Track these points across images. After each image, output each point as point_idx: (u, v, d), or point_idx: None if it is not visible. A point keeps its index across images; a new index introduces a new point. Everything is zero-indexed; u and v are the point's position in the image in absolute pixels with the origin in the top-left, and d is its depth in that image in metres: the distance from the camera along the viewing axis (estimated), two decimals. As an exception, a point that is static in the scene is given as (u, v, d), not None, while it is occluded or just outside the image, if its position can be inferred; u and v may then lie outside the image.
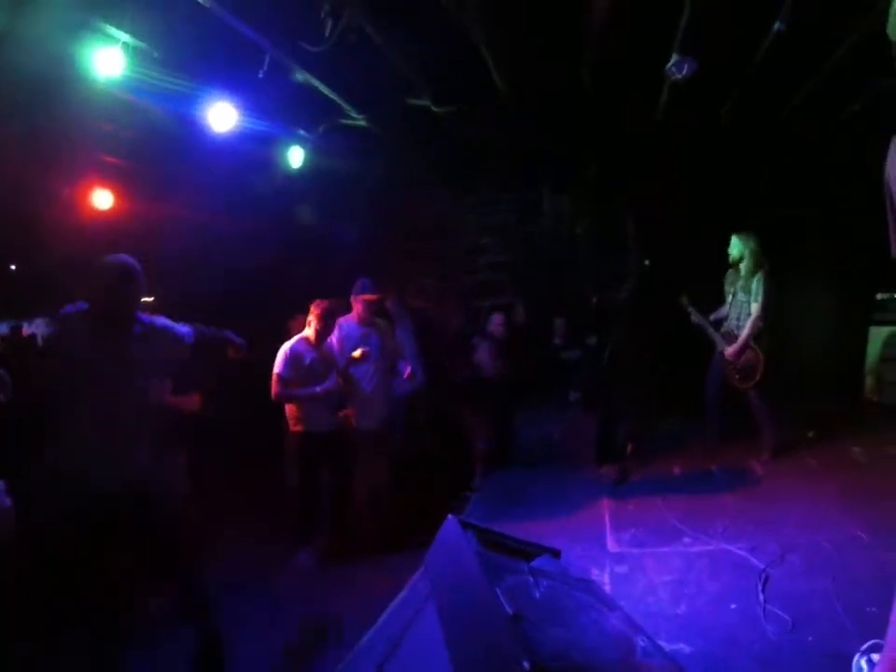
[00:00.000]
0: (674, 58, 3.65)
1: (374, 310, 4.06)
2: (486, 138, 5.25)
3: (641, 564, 2.98)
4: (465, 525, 1.42)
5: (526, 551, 1.63)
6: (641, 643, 1.65)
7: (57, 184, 4.68)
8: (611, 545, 3.21)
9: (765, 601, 2.40)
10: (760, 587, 2.51)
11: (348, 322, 3.98)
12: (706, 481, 3.90)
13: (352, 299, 4.02)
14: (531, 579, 1.38)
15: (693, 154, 5.26)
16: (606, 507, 3.72)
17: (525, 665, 0.97)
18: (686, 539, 3.10)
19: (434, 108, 4.30)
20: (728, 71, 4.24)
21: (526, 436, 4.70)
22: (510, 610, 1.09)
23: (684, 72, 3.68)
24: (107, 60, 3.02)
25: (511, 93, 4.27)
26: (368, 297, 3.93)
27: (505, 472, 4.57)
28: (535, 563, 1.57)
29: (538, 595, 1.35)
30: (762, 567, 2.67)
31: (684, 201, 5.33)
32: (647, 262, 4.91)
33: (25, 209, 4.39)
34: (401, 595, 1.64)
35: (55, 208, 4.82)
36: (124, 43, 3.07)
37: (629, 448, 4.51)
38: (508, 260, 6.14)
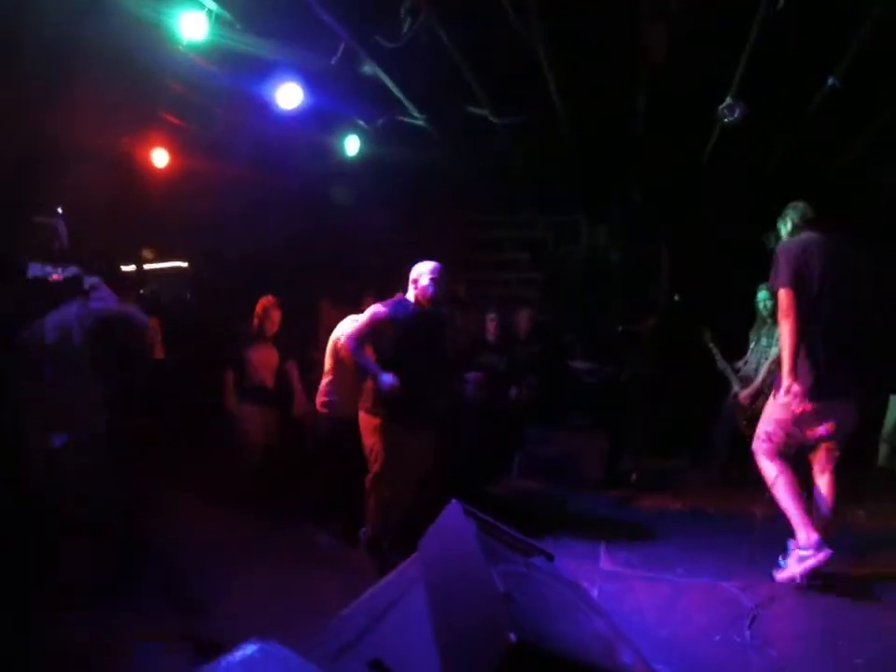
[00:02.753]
0: (727, 101, 3.72)
1: None
2: (536, 156, 5.35)
3: (631, 585, 3.03)
4: (467, 512, 1.51)
5: (523, 547, 1.71)
6: (625, 651, 1.73)
7: (119, 138, 4.88)
8: (604, 563, 3.27)
9: (752, 637, 2.42)
10: (748, 623, 2.52)
11: None
12: (704, 519, 3.93)
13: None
14: (525, 570, 1.47)
15: (735, 198, 5.28)
16: (603, 527, 3.78)
17: (512, 637, 1.05)
18: (679, 570, 3.14)
19: (492, 119, 4.42)
20: (778, 120, 4.28)
21: (531, 452, 4.75)
22: (501, 589, 1.17)
23: (735, 115, 3.75)
24: (192, 24, 3.18)
25: (568, 116, 4.37)
26: None
27: (507, 483, 4.65)
28: (530, 559, 1.66)
29: (529, 585, 1.43)
30: (751, 605, 2.69)
31: (720, 242, 5.35)
32: (676, 297, 4.96)
33: (84, 157, 4.59)
34: (389, 575, 1.72)
35: (113, 159, 5.02)
36: (209, 10, 3.22)
37: (634, 476, 4.58)
38: (539, 279, 6.23)
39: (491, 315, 5.05)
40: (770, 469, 3.02)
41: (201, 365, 4.88)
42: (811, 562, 2.78)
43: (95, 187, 4.78)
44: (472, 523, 1.43)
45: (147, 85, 4.03)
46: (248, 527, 4.00)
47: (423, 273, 3.29)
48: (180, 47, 3.39)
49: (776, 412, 2.99)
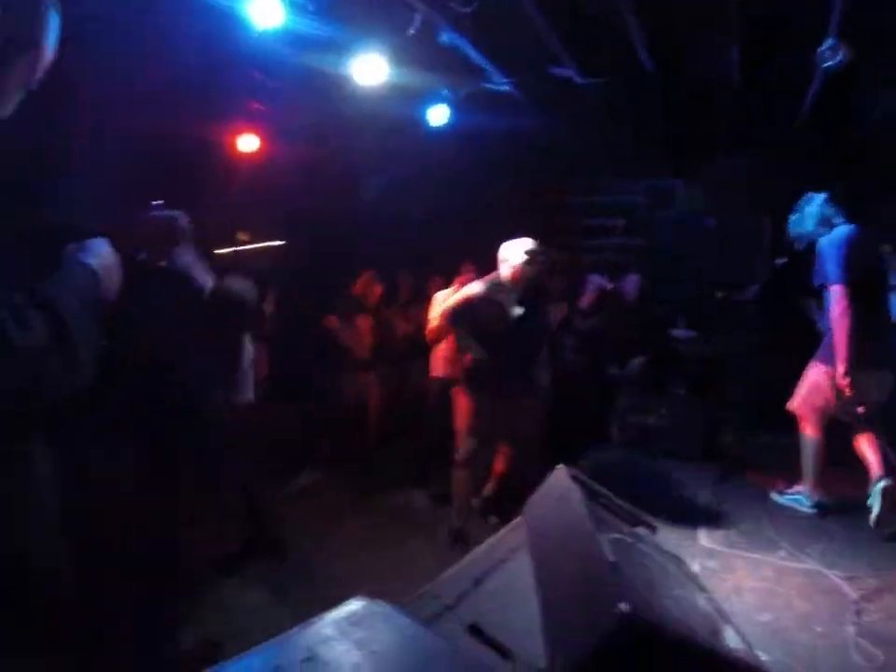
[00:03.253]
0: (828, 42, 3.35)
1: None
2: (626, 117, 5.09)
3: (732, 564, 2.91)
4: (574, 477, 1.47)
5: (627, 516, 1.66)
6: (728, 630, 1.65)
7: (208, 128, 5.10)
8: (704, 540, 3.15)
9: (856, 633, 2.27)
10: (852, 617, 2.37)
11: None
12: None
13: None
14: (630, 539, 1.42)
15: (838, 155, 4.81)
16: (702, 502, 3.64)
17: (623, 606, 1.02)
18: (781, 553, 2.98)
19: (577, 80, 4.23)
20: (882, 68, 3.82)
21: (629, 422, 4.62)
22: (611, 557, 1.14)
23: (837, 58, 3.37)
24: (266, 11, 3.24)
25: (657, 72, 4.12)
26: None
27: (605, 452, 4.54)
28: (634, 529, 1.60)
29: (634, 556, 1.38)
30: (856, 597, 2.52)
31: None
32: (777, 262, 4.61)
33: (179, 151, 4.83)
34: (490, 540, 1.72)
35: (205, 150, 5.27)
36: None
37: (734, 450, 4.36)
38: (635, 245, 5.98)
39: (591, 279, 4.97)
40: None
41: (303, 335, 5.22)
42: None
43: (190, 176, 5.06)
44: (578, 488, 1.39)
45: (230, 75, 4.17)
46: (352, 488, 4.23)
47: (514, 252, 3.19)
48: (256, 34, 3.46)
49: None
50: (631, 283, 5.04)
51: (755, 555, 2.97)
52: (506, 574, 1.55)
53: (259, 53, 3.79)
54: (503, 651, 1.25)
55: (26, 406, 0.89)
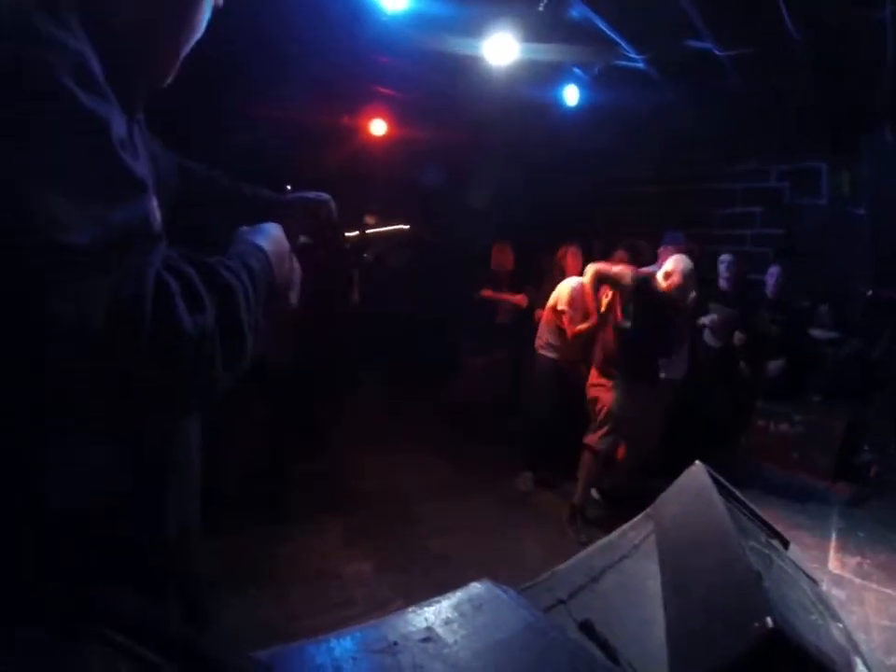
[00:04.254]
0: None
1: None
2: (768, 94, 4.67)
3: (861, 597, 2.66)
4: (712, 476, 1.37)
5: (763, 525, 1.53)
6: (861, 665, 1.49)
7: (340, 114, 5.29)
8: (833, 565, 2.88)
9: None
10: None
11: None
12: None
13: (662, 250, 4.33)
14: (766, 551, 1.30)
15: None
16: (834, 523, 3.33)
17: (769, 621, 0.93)
18: (917, 589, 2.66)
19: (717, 52, 3.92)
20: None
21: (760, 427, 4.31)
22: (755, 567, 1.04)
23: None
24: None
25: (804, 41, 3.71)
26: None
27: (734, 457, 4.28)
28: (770, 540, 1.47)
29: (772, 569, 1.27)
30: None
31: None
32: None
33: (310, 136, 5.04)
34: (612, 535, 1.64)
35: (338, 135, 5.48)
36: None
37: (873, 470, 3.92)
38: (774, 234, 5.50)
39: (725, 259, 4.82)
40: None
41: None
42: None
43: (323, 161, 5.29)
44: (717, 489, 1.29)
45: (358, 60, 4.26)
46: (467, 469, 4.36)
47: (676, 270, 3.43)
48: (384, 18, 3.50)
49: None
50: (772, 276, 4.69)
51: (888, 590, 2.69)
52: (625, 573, 1.47)
53: (389, 37, 3.84)
54: (612, 655, 1.19)
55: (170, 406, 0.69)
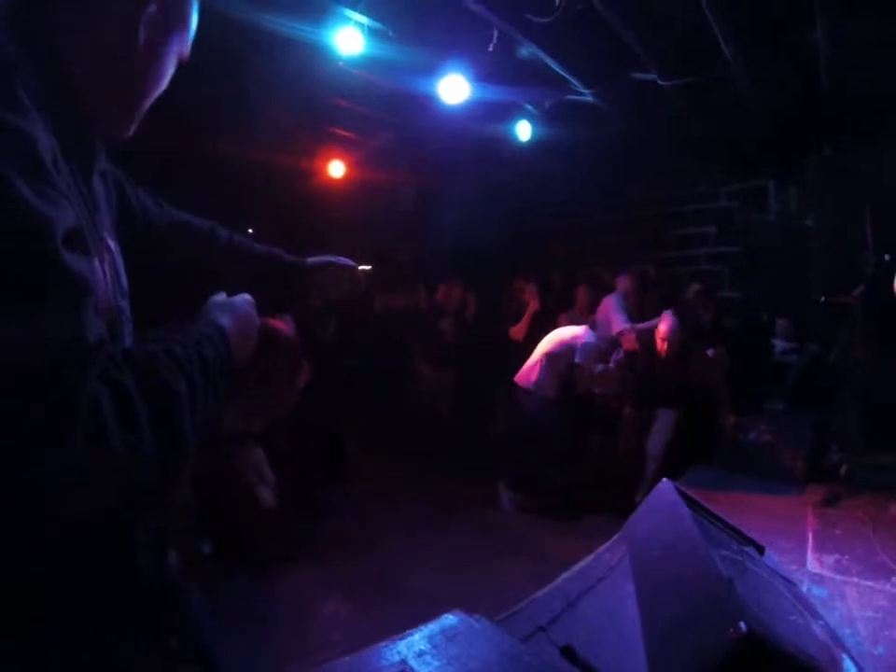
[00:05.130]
0: None
1: None
2: (712, 119, 4.90)
3: (842, 592, 2.67)
4: (680, 492, 1.41)
5: (734, 534, 1.57)
6: (846, 661, 1.53)
7: (297, 156, 5.35)
8: (812, 565, 2.92)
9: None
10: None
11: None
12: (928, 529, 3.35)
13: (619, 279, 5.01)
14: (739, 558, 1.34)
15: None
16: (810, 525, 3.38)
17: (743, 626, 0.96)
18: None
19: (660, 82, 4.12)
20: None
21: (730, 441, 4.42)
22: (726, 574, 1.08)
23: None
24: (348, 39, 3.37)
25: (743, 67, 3.93)
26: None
27: (705, 470, 4.37)
28: (743, 547, 1.51)
29: (746, 575, 1.30)
30: None
31: None
32: (887, 258, 4.24)
33: (270, 179, 5.09)
34: (586, 560, 1.66)
35: (295, 177, 5.52)
36: (360, 24, 3.38)
37: (843, 470, 4.03)
38: (728, 252, 5.73)
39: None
40: None
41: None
42: None
43: (283, 203, 5.32)
44: (685, 503, 1.33)
45: (316, 104, 4.35)
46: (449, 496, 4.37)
47: (662, 334, 4.36)
48: (340, 63, 3.60)
49: None
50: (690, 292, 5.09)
51: (868, 583, 2.70)
52: (602, 595, 1.49)
53: (345, 80, 3.94)
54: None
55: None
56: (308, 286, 1.27)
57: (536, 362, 4.48)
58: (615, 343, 4.54)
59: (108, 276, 0.81)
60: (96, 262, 0.76)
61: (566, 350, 4.40)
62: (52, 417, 0.55)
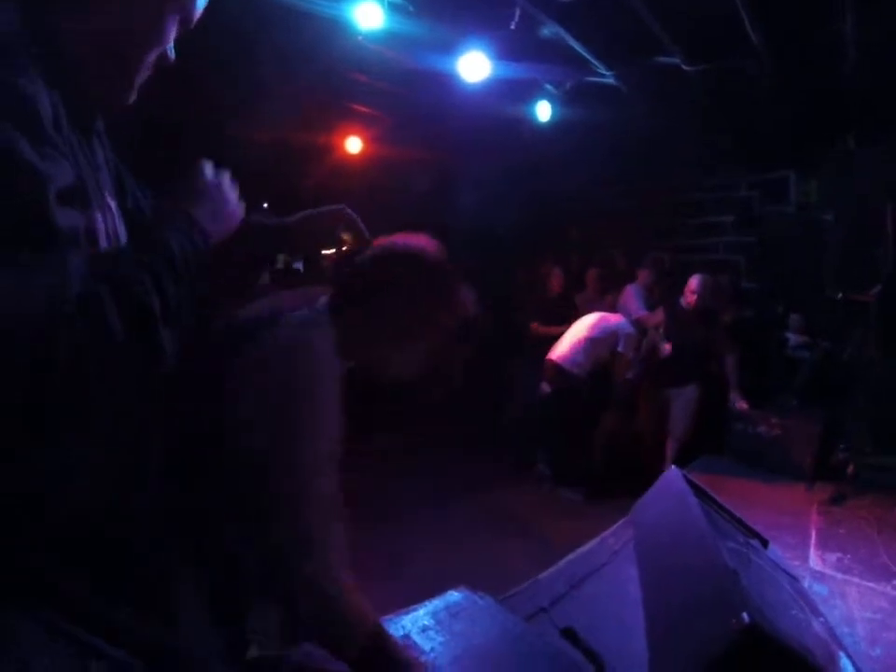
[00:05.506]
0: None
1: None
2: (736, 106, 4.81)
3: (843, 591, 2.67)
4: (688, 481, 1.40)
5: (740, 526, 1.56)
6: (844, 659, 1.53)
7: (313, 132, 5.30)
8: (814, 562, 2.91)
9: None
10: None
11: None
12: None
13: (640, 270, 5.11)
14: (744, 550, 1.33)
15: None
16: (814, 522, 3.37)
17: (746, 617, 0.96)
18: (897, 582, 2.72)
19: (685, 67, 4.03)
20: None
21: (737, 432, 4.41)
22: (732, 566, 1.07)
23: None
24: (368, 14, 3.31)
25: (769, 55, 3.84)
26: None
27: (715, 460, 4.37)
28: (749, 540, 1.51)
29: (751, 567, 1.30)
30: None
31: None
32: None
33: (285, 154, 5.04)
34: (591, 542, 1.67)
35: (311, 153, 5.47)
36: None
37: (850, 469, 4.00)
38: (746, 242, 5.65)
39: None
40: None
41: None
42: None
43: (299, 180, 5.27)
44: (693, 492, 1.32)
45: (333, 79, 4.29)
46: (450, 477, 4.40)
47: (691, 287, 4.52)
48: (359, 38, 3.54)
49: None
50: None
51: (869, 584, 2.70)
52: (606, 579, 1.50)
53: (364, 55, 3.88)
54: (596, 660, 1.20)
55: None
56: (297, 242, 1.29)
57: (577, 342, 4.59)
58: (641, 331, 4.63)
59: (109, 231, 0.84)
60: (98, 215, 0.80)
61: (610, 337, 4.58)
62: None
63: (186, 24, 0.90)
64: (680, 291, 4.64)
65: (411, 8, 3.45)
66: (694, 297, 4.40)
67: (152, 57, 0.88)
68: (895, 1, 3.22)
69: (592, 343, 4.57)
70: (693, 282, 4.45)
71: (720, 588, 1.04)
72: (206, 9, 0.93)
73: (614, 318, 4.70)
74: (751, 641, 0.97)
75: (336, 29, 3.49)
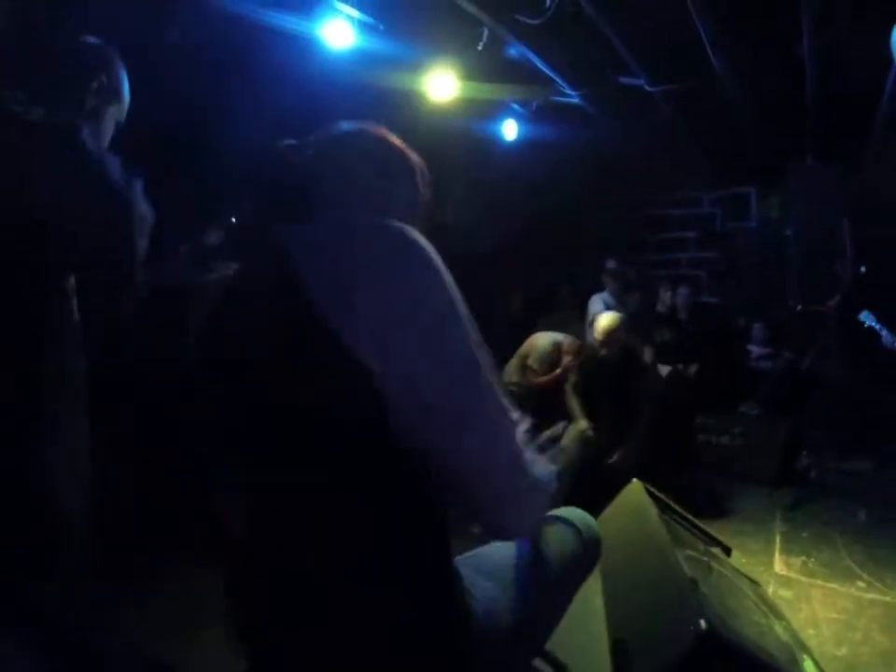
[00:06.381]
0: None
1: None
2: (698, 126, 4.97)
3: (808, 594, 2.77)
4: (649, 493, 1.45)
5: (702, 535, 1.61)
6: (807, 661, 1.58)
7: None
8: (779, 567, 3.01)
9: None
10: None
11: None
12: (894, 532, 3.44)
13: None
14: (705, 559, 1.38)
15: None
16: (777, 527, 3.48)
17: (702, 624, 1.00)
18: (860, 584, 2.81)
19: (647, 88, 4.16)
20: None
21: (704, 443, 4.48)
22: (690, 575, 1.11)
23: None
24: (338, 32, 3.33)
25: (729, 78, 3.99)
26: None
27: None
28: (709, 548, 1.56)
29: (711, 576, 1.34)
30: None
31: None
32: (862, 270, 4.35)
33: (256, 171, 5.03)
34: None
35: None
36: (351, 17, 3.35)
37: (813, 474, 4.13)
38: (708, 257, 5.82)
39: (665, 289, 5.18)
40: None
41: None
42: None
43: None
44: (654, 503, 1.37)
45: (305, 97, 4.31)
46: None
47: (598, 329, 3.65)
48: (328, 55, 3.57)
49: None
50: (682, 295, 5.03)
51: (833, 585, 2.81)
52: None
53: (334, 73, 3.91)
54: (561, 669, 1.23)
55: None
56: None
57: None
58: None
59: None
60: None
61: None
62: None
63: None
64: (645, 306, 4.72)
65: (381, 27, 3.50)
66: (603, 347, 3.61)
67: None
68: (850, 25, 3.38)
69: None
70: (601, 323, 3.64)
71: (678, 597, 1.08)
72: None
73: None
74: (708, 646, 1.01)
75: (305, 47, 3.52)
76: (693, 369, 4.58)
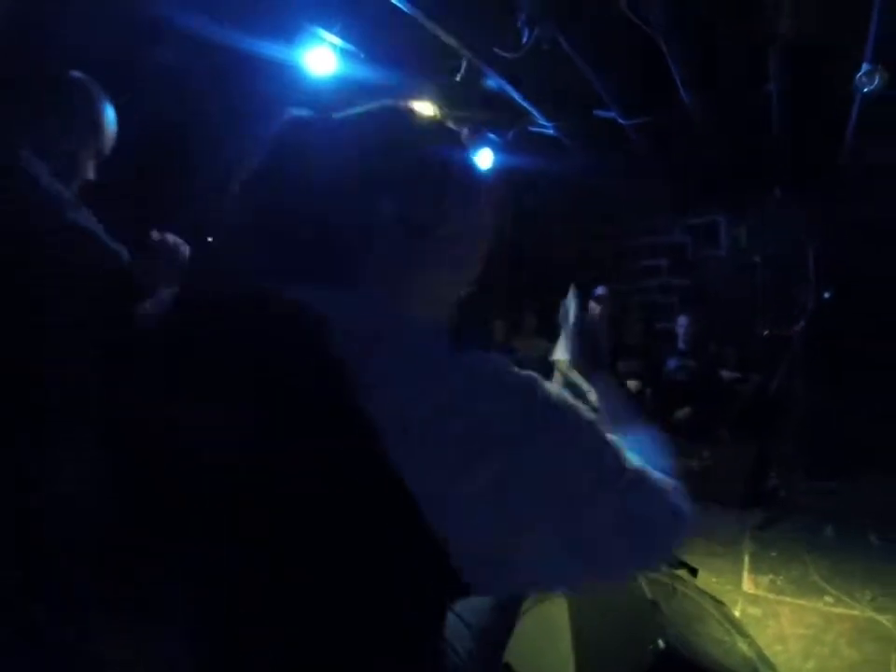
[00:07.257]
0: (864, 68, 3.31)
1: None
2: (669, 157, 5.14)
3: (776, 611, 2.84)
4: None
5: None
6: (770, 674, 1.63)
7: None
8: (747, 585, 3.08)
9: None
10: None
11: None
12: (860, 547, 3.54)
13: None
14: (669, 582, 1.44)
15: (885, 184, 4.72)
16: (746, 547, 3.55)
17: (661, 643, 1.05)
18: (828, 598, 2.89)
19: (621, 121, 4.31)
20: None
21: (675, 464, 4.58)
22: (649, 595, 1.16)
23: (875, 84, 3.32)
24: (321, 59, 3.37)
25: (699, 111, 4.16)
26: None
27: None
28: (674, 570, 1.62)
29: (674, 597, 1.40)
30: None
31: (873, 231, 4.81)
32: (826, 295, 4.51)
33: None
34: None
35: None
36: (333, 45, 3.43)
37: (782, 494, 4.24)
38: (679, 284, 5.98)
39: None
40: None
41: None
42: None
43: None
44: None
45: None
46: None
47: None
48: (310, 83, 3.64)
49: None
50: (681, 325, 5.10)
51: (800, 602, 2.88)
52: (541, 616, 1.56)
53: (316, 100, 3.98)
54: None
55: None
56: None
57: None
58: None
59: None
60: None
61: None
62: None
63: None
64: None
65: (362, 55, 3.58)
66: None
67: None
68: (815, 64, 3.56)
69: None
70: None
71: (640, 618, 1.13)
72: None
73: None
74: (668, 664, 1.06)
75: (289, 74, 3.58)
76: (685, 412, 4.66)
